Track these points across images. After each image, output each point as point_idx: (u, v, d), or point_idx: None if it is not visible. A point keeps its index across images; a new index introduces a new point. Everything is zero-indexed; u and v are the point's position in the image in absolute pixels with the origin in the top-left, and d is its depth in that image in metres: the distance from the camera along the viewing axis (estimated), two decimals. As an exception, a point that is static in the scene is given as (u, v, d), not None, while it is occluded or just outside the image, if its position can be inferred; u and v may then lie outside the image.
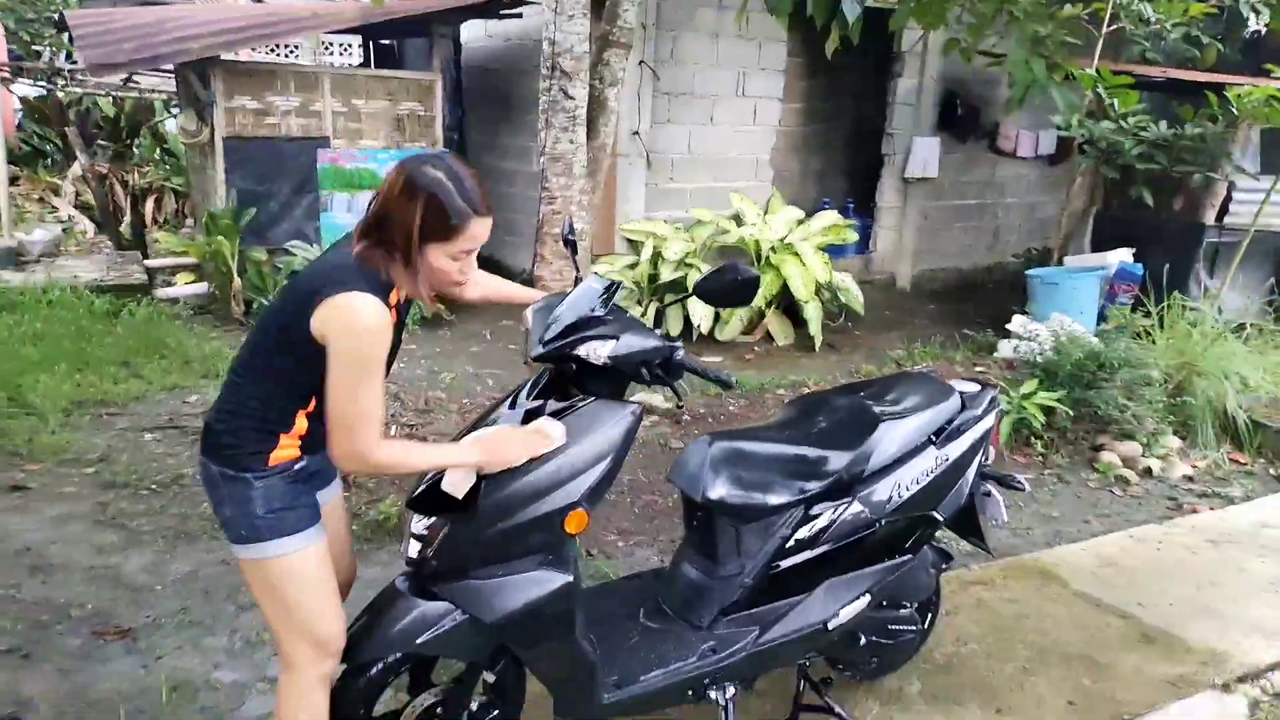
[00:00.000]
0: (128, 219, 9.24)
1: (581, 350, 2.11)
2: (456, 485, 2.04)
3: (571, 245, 2.55)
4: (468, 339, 7.04)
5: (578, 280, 2.36)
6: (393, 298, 1.94)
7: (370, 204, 1.93)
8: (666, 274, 6.91)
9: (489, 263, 9.37)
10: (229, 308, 6.92)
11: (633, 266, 7.18)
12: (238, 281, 6.84)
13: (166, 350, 6.00)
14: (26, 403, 4.93)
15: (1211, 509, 4.64)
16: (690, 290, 2.23)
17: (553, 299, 2.33)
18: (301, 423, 2.01)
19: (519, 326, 7.77)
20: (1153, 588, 3.73)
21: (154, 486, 4.17)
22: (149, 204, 9.59)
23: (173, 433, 4.80)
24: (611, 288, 2.24)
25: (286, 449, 2.01)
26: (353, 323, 1.83)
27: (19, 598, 3.27)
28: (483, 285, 2.43)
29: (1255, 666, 3.19)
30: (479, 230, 1.91)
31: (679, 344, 2.18)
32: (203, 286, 7.38)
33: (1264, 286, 7.04)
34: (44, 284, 6.88)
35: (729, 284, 2.16)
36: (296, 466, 2.03)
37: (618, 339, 2.11)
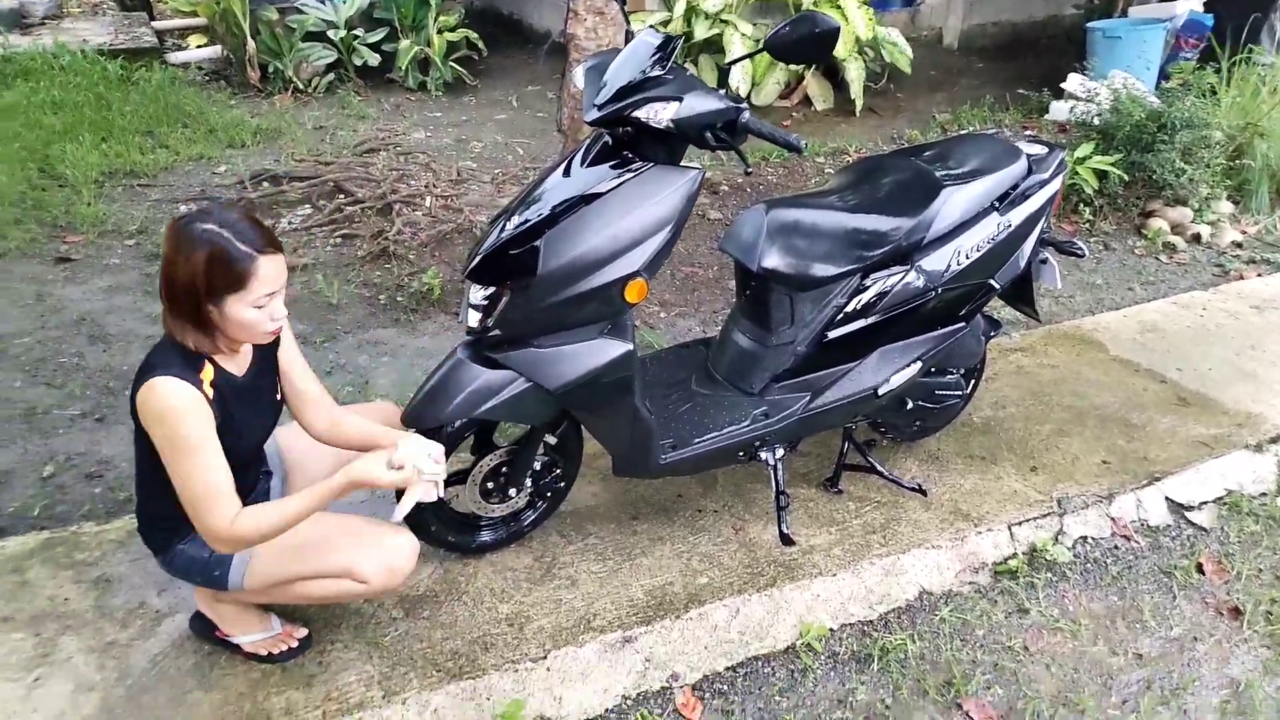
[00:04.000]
0: (127, -24, 8.72)
1: (641, 113, 1.99)
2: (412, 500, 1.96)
3: (621, -4, 2.35)
4: (493, 106, 6.79)
5: (629, 35, 2.20)
6: (205, 373, 1.84)
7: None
8: (701, 31, 6.49)
9: (511, 23, 8.86)
10: (245, 73, 6.65)
11: (665, 24, 6.74)
12: (251, 44, 6.53)
13: (187, 119, 5.87)
14: (57, 174, 4.88)
15: (1259, 275, 4.57)
16: (760, 46, 2.05)
17: (604, 57, 2.17)
18: None
19: (546, 92, 7.37)
20: (1192, 353, 3.74)
21: (196, 258, 4.18)
22: (147, -41, 8.98)
23: (206, 204, 4.76)
24: (668, 44, 2.08)
25: None
26: (156, 407, 1.77)
27: (83, 365, 3.38)
28: (344, 427, 2.12)
29: (1288, 428, 3.25)
30: (270, 270, 1.79)
31: (745, 104, 2.04)
32: (216, 50, 7.06)
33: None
34: (53, 49, 6.59)
35: (806, 36, 1.96)
36: None
37: (680, 100, 1.97)
